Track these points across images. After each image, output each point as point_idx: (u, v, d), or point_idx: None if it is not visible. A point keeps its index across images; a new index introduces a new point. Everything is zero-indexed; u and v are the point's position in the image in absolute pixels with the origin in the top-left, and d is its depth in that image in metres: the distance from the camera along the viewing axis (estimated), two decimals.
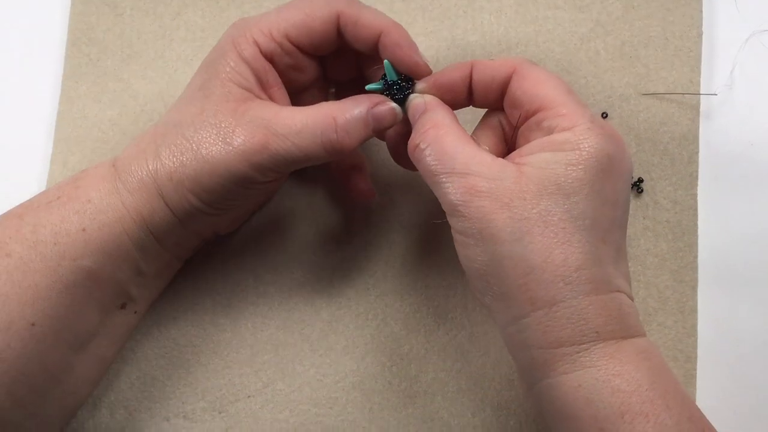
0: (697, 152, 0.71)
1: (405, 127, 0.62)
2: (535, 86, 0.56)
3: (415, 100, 0.60)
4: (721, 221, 0.70)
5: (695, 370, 0.68)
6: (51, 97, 0.76)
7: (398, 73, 0.61)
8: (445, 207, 0.55)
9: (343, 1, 0.61)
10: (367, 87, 0.61)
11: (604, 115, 0.72)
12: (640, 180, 0.70)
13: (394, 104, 0.60)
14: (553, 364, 0.53)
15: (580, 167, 0.53)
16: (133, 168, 0.59)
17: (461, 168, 0.54)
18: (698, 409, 0.53)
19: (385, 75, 0.61)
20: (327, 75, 0.67)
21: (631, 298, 0.55)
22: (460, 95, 0.61)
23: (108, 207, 0.58)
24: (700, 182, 0.71)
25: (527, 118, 0.57)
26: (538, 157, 0.54)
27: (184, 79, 0.74)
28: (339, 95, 0.68)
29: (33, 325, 0.56)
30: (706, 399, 0.67)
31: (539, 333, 0.53)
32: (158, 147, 0.59)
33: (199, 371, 0.69)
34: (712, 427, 0.52)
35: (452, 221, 0.55)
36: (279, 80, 0.62)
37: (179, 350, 0.70)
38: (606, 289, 0.53)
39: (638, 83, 0.72)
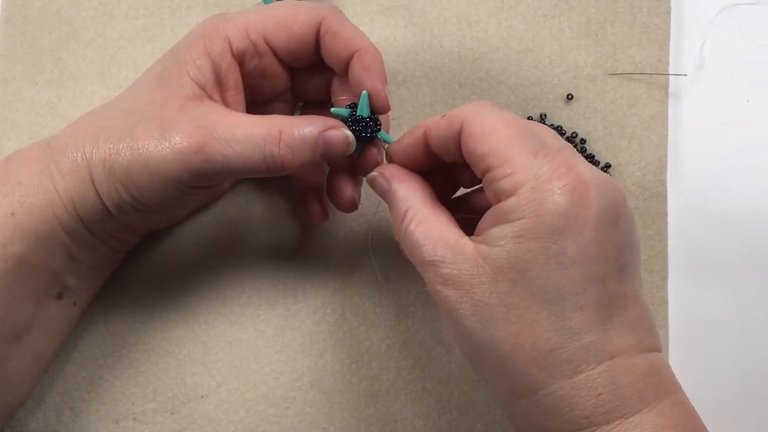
0: (666, 136, 0.69)
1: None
2: (479, 143, 0.51)
3: (376, 180, 0.58)
4: (691, 207, 0.69)
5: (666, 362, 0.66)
6: None
7: (371, 111, 0.58)
8: None
9: (330, 11, 0.59)
10: (333, 110, 0.58)
11: (569, 97, 0.69)
12: (608, 165, 0.68)
13: (349, 132, 0.57)
14: None
15: (530, 237, 0.48)
16: (69, 149, 0.56)
17: (429, 256, 0.52)
18: None
19: (353, 105, 0.58)
20: (296, 92, 0.64)
21: (652, 348, 0.50)
22: (425, 159, 0.57)
23: (38, 189, 0.55)
24: (668, 167, 0.69)
25: (480, 178, 0.53)
26: (491, 233, 0.50)
27: (126, 59, 0.71)
28: (306, 114, 0.66)
29: None
30: None
31: (529, 423, 0.50)
32: (99, 130, 0.56)
33: (149, 370, 0.67)
34: None
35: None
36: (240, 85, 0.60)
37: (128, 348, 0.67)
38: (593, 361, 0.48)
39: (605, 62, 0.71)
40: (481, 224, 0.52)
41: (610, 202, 0.49)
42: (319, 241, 0.69)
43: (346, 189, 0.62)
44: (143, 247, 0.67)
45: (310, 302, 0.68)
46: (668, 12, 0.71)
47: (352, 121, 0.57)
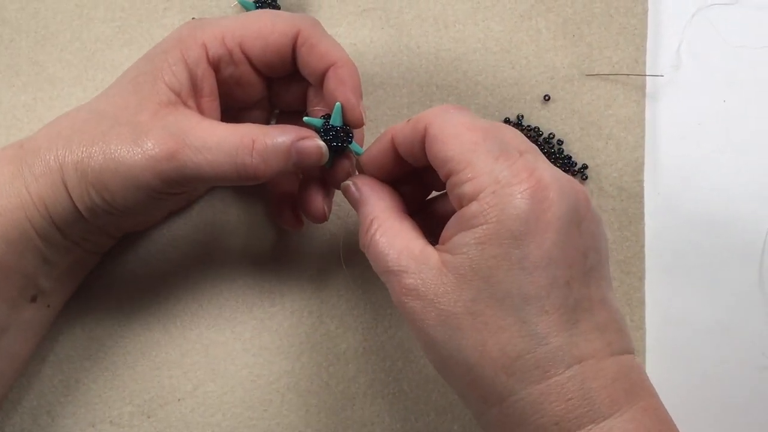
0: (643, 137, 0.69)
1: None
2: (442, 147, 0.51)
3: (348, 189, 0.57)
4: (668, 208, 0.69)
5: (644, 363, 0.67)
6: None
7: (343, 122, 0.57)
8: None
9: (308, 23, 0.58)
10: (305, 119, 0.58)
11: (546, 98, 0.69)
12: (585, 166, 0.68)
13: (322, 143, 0.57)
14: None
15: (492, 243, 0.48)
16: (42, 151, 0.55)
17: (393, 265, 0.51)
18: None
19: (327, 116, 0.58)
20: (272, 100, 0.64)
21: (623, 351, 0.50)
22: (396, 166, 0.57)
23: (11, 192, 0.55)
24: (645, 168, 0.69)
25: (444, 183, 0.53)
26: (454, 241, 0.50)
27: (102, 61, 0.71)
28: (281, 122, 0.66)
29: None
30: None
31: (500, 431, 0.50)
32: (72, 133, 0.56)
33: (126, 373, 0.66)
34: None
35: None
36: (215, 91, 0.59)
37: (105, 351, 0.67)
38: (561, 366, 0.47)
39: (582, 63, 0.70)
40: (445, 232, 0.51)
41: (572, 206, 0.49)
42: (296, 244, 0.68)
43: (317, 200, 0.61)
44: (120, 250, 0.67)
45: (287, 305, 0.67)
46: (645, 13, 0.71)
47: (324, 130, 0.57)
